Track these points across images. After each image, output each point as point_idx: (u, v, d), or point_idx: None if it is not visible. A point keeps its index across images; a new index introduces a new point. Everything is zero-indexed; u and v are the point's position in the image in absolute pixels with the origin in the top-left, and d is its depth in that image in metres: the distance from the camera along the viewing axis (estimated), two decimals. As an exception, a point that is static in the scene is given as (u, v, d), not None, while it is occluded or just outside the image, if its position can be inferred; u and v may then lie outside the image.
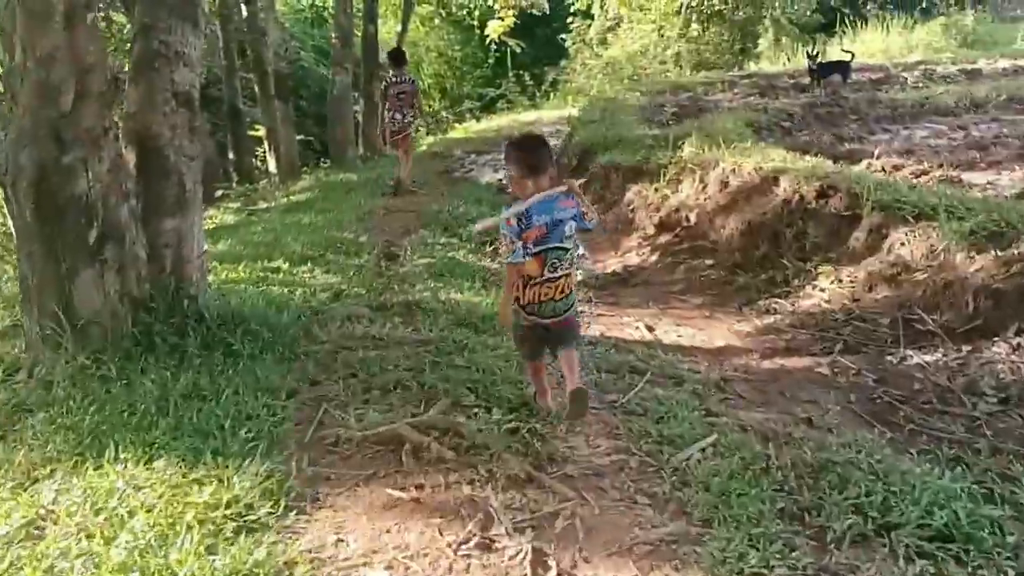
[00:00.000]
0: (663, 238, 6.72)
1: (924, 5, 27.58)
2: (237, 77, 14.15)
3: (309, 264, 6.52)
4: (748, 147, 6.94)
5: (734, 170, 6.43)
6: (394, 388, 3.79)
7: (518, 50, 24.56)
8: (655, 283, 6.02)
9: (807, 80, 13.39)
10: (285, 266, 6.46)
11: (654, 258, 6.54)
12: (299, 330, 4.74)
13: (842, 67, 13.04)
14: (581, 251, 5.47)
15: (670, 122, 11.49)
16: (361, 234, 7.77)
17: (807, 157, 6.54)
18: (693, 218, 6.54)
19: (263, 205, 11.10)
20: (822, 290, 4.99)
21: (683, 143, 7.95)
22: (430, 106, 28.10)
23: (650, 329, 4.97)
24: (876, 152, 7.37)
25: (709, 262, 5.95)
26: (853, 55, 14.25)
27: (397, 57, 9.70)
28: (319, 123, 21.85)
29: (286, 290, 5.71)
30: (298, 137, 17.99)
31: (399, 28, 17.04)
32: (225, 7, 14.12)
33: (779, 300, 5.11)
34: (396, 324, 5.03)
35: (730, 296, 5.43)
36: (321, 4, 17.76)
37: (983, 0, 26.85)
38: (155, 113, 4.46)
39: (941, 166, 6.58)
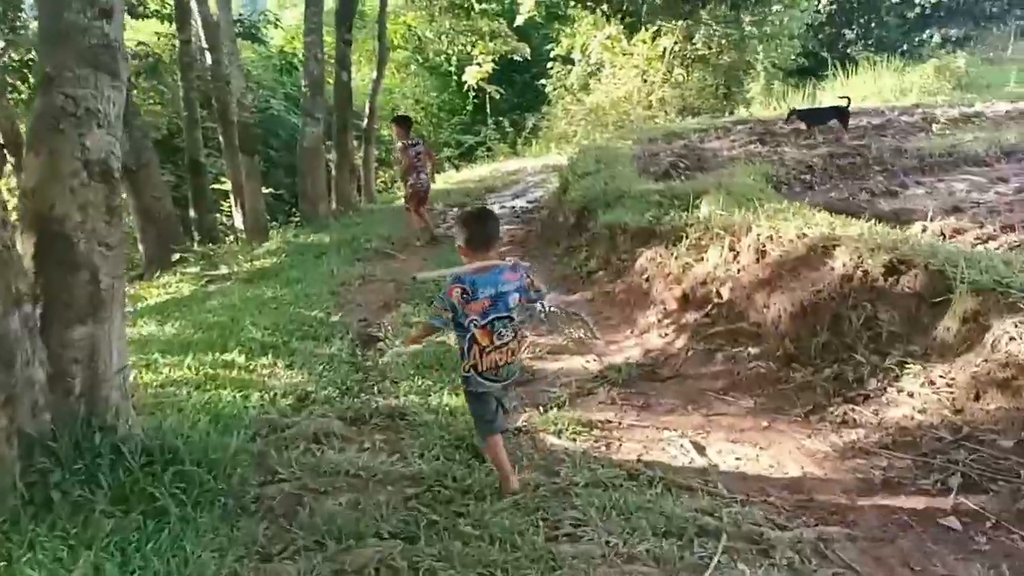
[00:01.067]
0: (690, 316, 5.71)
1: (904, 47, 27.41)
2: (199, 128, 13.13)
3: (270, 356, 5.44)
4: (782, 208, 5.99)
5: (772, 237, 5.47)
6: (376, 572, 2.72)
7: (497, 96, 23.91)
8: (690, 377, 4.99)
9: (803, 127, 12.78)
10: (241, 359, 5.37)
11: (681, 341, 5.52)
12: (251, 460, 3.67)
13: (839, 113, 12.59)
14: (541, 308, 5.23)
15: (673, 173, 10.66)
16: (333, 311, 6.73)
17: (856, 221, 5.60)
18: (726, 293, 5.55)
19: (224, 270, 9.99)
20: (910, 395, 3.98)
21: (700, 201, 7.02)
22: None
23: (700, 450, 3.94)
24: (928, 214, 6.45)
25: (753, 350, 4.94)
26: (850, 100, 13.71)
27: (406, 122, 10.07)
28: (290, 174, 20.83)
29: (239, 395, 4.62)
30: (267, 190, 16.99)
31: (374, 75, 16.15)
32: (187, 54, 13.16)
33: (856, 407, 4.09)
34: (376, 446, 3.98)
35: (788, 398, 4.41)
36: (291, 50, 16.86)
37: (969, 41, 26.72)
38: (60, 188, 3.41)
39: (1011, 228, 5.66)
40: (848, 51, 27.07)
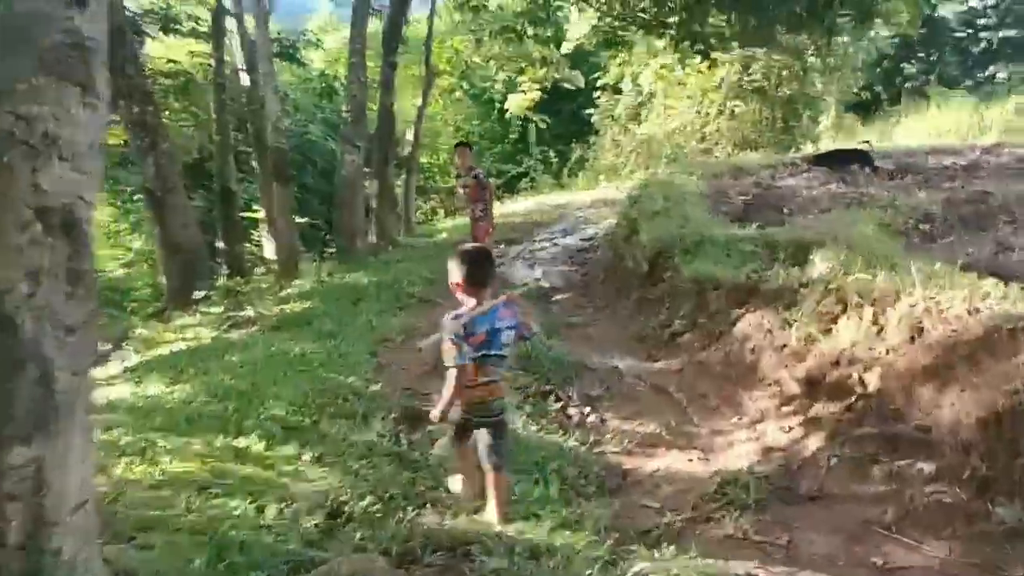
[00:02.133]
0: (822, 407, 4.54)
1: (969, 83, 26.09)
2: (231, 153, 12.25)
3: (295, 443, 4.34)
4: (934, 271, 4.80)
5: (930, 309, 4.29)
6: None
7: (542, 126, 22.95)
8: (841, 499, 3.81)
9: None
10: (259, 446, 4.29)
11: (815, 441, 4.34)
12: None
13: (861, 156, 12.13)
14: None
15: (752, 215, 9.50)
16: (372, 377, 5.64)
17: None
18: (873, 381, 4.36)
19: (250, 312, 8.99)
20: None
21: (814, 254, 5.85)
22: (444, 181, 26.49)
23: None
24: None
25: (927, 467, 3.75)
26: (870, 143, 13.43)
27: (460, 150, 9.78)
28: (326, 202, 19.99)
29: (252, 506, 3.53)
30: (302, 220, 16.10)
31: (417, 101, 15.24)
32: (220, 74, 12.33)
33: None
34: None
35: (998, 546, 3.22)
36: (332, 73, 16.08)
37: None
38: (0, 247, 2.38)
39: None
40: (908, 86, 25.85)
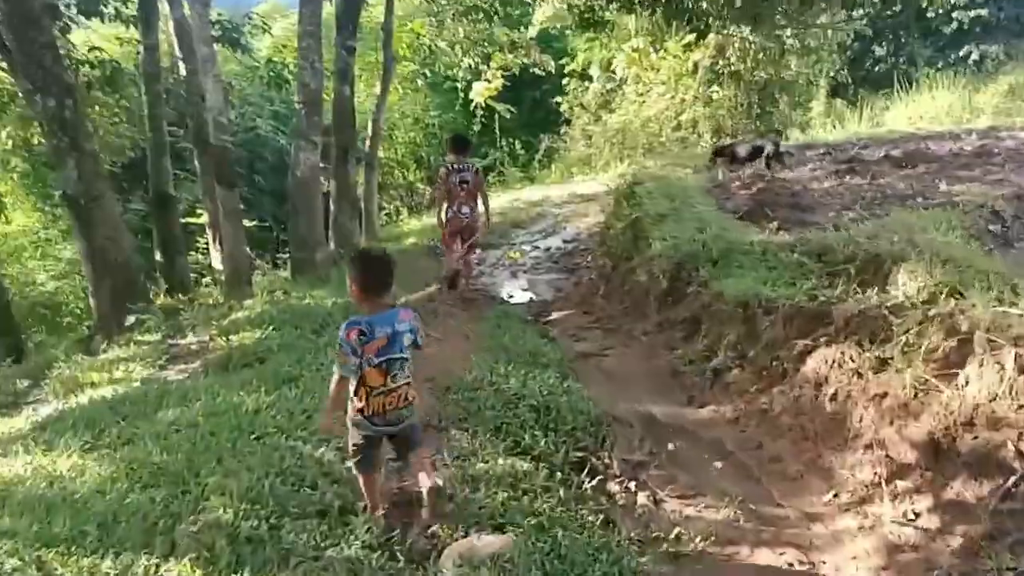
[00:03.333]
0: (963, 488, 3.38)
1: (940, 65, 25.40)
2: (167, 154, 10.75)
3: (245, 570, 3.07)
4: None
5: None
6: None
7: (507, 116, 21.67)
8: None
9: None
10: (195, 577, 3.00)
11: (965, 542, 3.19)
12: None
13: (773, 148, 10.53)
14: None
15: (768, 214, 8.40)
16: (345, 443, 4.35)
17: None
18: (1039, 456, 3.22)
19: (192, 340, 7.62)
20: None
21: (894, 269, 4.71)
22: (404, 176, 25.05)
23: None
24: None
25: None
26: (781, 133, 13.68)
27: (461, 143, 8.39)
28: (278, 201, 18.50)
29: None
30: (251, 223, 14.62)
31: (378, 91, 13.84)
32: (151, 62, 10.79)
33: None
34: None
35: None
36: (280, 60, 14.49)
37: (1011, 58, 24.73)
38: None
39: None
40: (876, 69, 25.07)
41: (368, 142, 13.43)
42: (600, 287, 8.07)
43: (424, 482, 3.45)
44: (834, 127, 15.68)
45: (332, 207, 10.88)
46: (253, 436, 4.45)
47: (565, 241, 11.40)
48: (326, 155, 10.69)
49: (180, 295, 10.55)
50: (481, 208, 8.13)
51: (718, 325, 5.47)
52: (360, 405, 3.34)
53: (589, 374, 5.61)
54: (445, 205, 8.02)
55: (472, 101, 21.27)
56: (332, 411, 3.52)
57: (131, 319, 8.57)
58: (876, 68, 25.32)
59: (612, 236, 8.74)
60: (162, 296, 10.55)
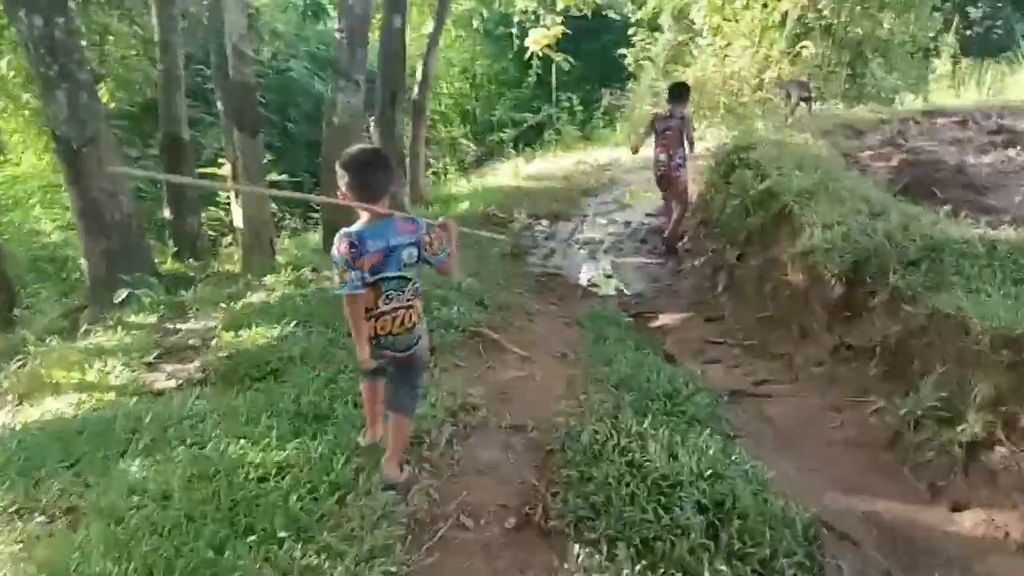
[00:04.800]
0: None
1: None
2: (181, 90, 8.98)
3: None
4: None
5: None
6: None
7: (566, 67, 19.59)
8: None
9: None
10: None
11: None
12: None
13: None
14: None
15: (936, 194, 6.56)
16: (400, 551, 2.63)
17: None
18: None
19: (193, 327, 5.94)
20: None
21: None
22: (448, 131, 23.11)
23: None
24: None
25: None
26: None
27: (678, 91, 8.19)
28: (312, 152, 16.76)
29: None
30: (280, 177, 12.90)
31: (429, 29, 11.94)
32: (164, -22, 8.96)
33: None
34: None
35: None
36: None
37: None
38: None
39: None
40: (969, 33, 22.55)
41: (416, 88, 11.55)
42: (718, 281, 6.23)
43: (388, 456, 3.14)
44: (957, 94, 13.47)
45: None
46: (252, 539, 2.74)
47: (648, 215, 9.53)
48: (369, 100, 8.87)
49: (191, 259, 8.91)
50: (679, 159, 7.79)
51: (956, 366, 3.62)
52: None
53: (752, 429, 3.81)
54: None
55: (527, 50, 19.18)
56: (361, 337, 2.95)
57: (123, 293, 6.90)
58: (968, 32, 22.80)
59: (730, 214, 6.86)
60: (169, 260, 8.91)
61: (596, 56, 21.73)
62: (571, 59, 19.52)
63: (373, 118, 9.22)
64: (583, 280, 7.17)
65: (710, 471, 3.10)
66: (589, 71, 21.27)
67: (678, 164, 7.79)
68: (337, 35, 7.91)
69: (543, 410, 3.76)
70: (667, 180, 7.85)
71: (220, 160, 12.19)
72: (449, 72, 22.61)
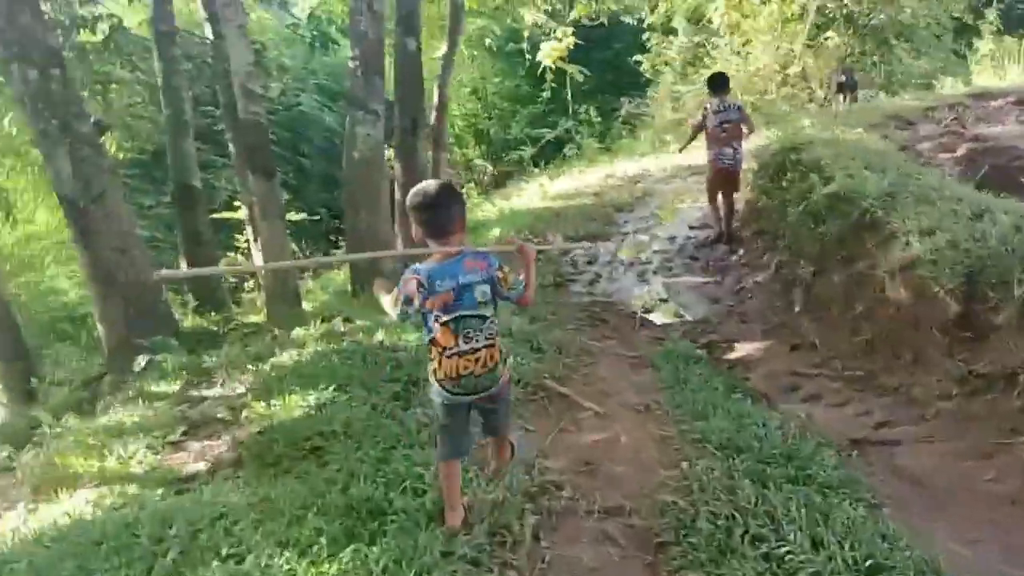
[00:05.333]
0: None
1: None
2: (189, 136, 8.51)
3: None
4: None
5: None
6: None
7: (580, 78, 19.05)
8: None
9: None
10: None
11: None
12: None
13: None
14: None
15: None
16: None
17: None
18: None
19: (219, 394, 5.40)
20: None
21: None
22: (464, 155, 22.62)
23: None
24: None
25: None
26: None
27: (719, 81, 7.91)
28: (327, 187, 16.30)
29: None
30: (298, 217, 12.43)
31: (443, 51, 11.43)
32: (164, 21, 8.49)
33: None
34: None
35: None
36: (326, 15, 12.06)
37: None
38: None
39: None
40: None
41: (433, 113, 11.04)
42: (793, 301, 5.61)
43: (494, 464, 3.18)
44: (1001, 75, 12.77)
45: (398, 194, 8.56)
46: None
47: (692, 228, 8.91)
48: (386, 129, 8.35)
49: (212, 312, 8.40)
50: (742, 152, 7.72)
51: None
52: (434, 366, 2.86)
53: (892, 490, 3.18)
54: (710, 149, 7.69)
55: (539, 65, 18.66)
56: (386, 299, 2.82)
57: (142, 362, 6.39)
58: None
59: (794, 223, 6.24)
60: (190, 316, 8.40)
61: (609, 65, 21.22)
62: (584, 70, 19.01)
63: (393, 147, 8.70)
64: (637, 307, 6.56)
65: (869, 561, 2.49)
66: (604, 81, 20.76)
67: (742, 157, 7.71)
68: (351, 64, 7.39)
69: (639, 485, 3.15)
70: (733, 175, 7.69)
71: (236, 204, 11.74)
72: (460, 93, 22.15)
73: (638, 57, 18.79)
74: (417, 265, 2.77)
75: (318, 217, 14.14)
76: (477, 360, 2.82)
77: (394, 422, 3.95)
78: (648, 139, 16.41)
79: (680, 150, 8.75)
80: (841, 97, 12.71)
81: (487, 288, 2.79)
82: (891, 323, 4.38)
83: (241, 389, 5.45)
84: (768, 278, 6.43)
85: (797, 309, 5.46)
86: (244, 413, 4.83)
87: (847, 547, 2.53)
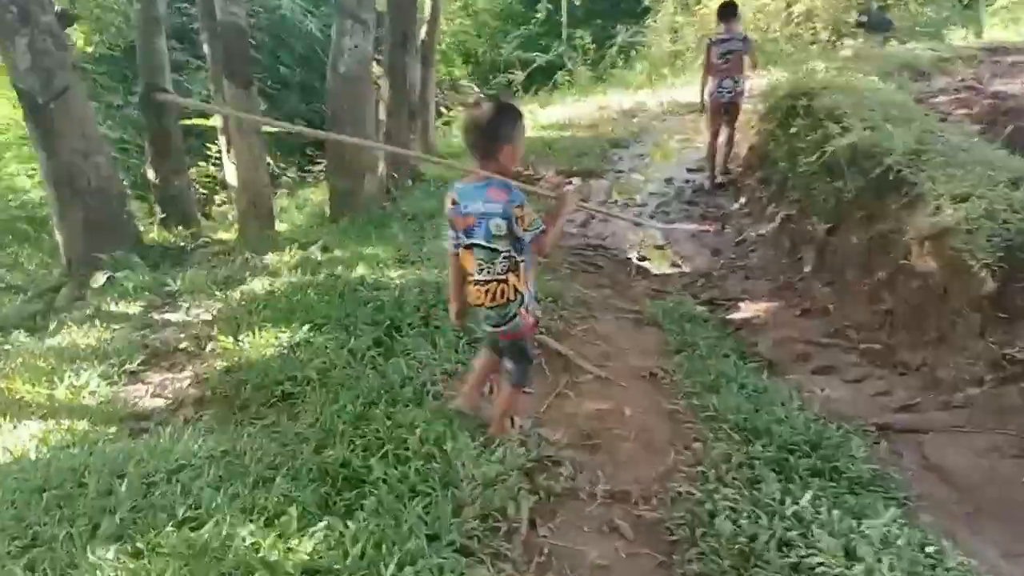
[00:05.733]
0: None
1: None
2: (161, 34, 7.84)
3: None
4: None
5: None
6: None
7: (576, 1, 18.26)
8: None
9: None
10: None
11: None
12: None
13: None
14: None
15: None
16: None
17: None
18: None
19: (183, 319, 5.00)
20: None
21: None
22: (449, 72, 21.76)
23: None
24: None
25: None
26: None
27: (727, 9, 7.47)
28: (309, 98, 15.56)
29: None
30: (275, 128, 11.79)
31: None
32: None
33: None
34: None
35: None
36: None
37: None
38: None
39: None
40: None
41: (424, 27, 10.38)
42: (803, 260, 5.28)
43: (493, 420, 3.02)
44: (1017, 29, 12.31)
45: (383, 114, 8.03)
46: None
47: (690, 171, 8.52)
48: (375, 44, 7.75)
49: (180, 226, 7.91)
50: (744, 84, 7.42)
51: None
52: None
53: (926, 489, 2.90)
54: (710, 80, 7.42)
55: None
56: (455, 297, 2.96)
57: (100, 278, 5.94)
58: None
59: (805, 174, 5.88)
60: (156, 228, 7.91)
61: (603, -12, 20.35)
62: (580, -9, 18.20)
63: (382, 62, 8.13)
64: (631, 254, 6.20)
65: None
66: (600, 6, 19.92)
67: (743, 90, 7.43)
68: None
69: (648, 467, 2.85)
70: (732, 107, 7.44)
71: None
72: (448, 7, 21.17)
73: (637, -18, 17.99)
74: (457, 182, 2.80)
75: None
76: (488, 292, 2.77)
77: (375, 373, 3.60)
78: (645, 71, 15.78)
79: (702, 109, 7.98)
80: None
81: (503, 222, 2.67)
82: (915, 294, 4.06)
83: (207, 316, 5.06)
84: (773, 232, 6.08)
85: (807, 269, 5.13)
86: (210, 346, 4.45)
87: (885, 560, 2.25)
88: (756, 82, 8.33)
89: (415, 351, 3.75)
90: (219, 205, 11.01)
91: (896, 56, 10.14)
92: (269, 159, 11.61)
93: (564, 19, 18.49)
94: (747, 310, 4.83)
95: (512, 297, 2.78)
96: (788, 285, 5.13)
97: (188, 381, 4.21)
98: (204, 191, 11.10)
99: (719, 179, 7.79)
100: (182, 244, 7.58)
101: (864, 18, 12.83)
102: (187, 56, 14.21)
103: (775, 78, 8.65)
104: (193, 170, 11.15)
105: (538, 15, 17.98)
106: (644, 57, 17.21)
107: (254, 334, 4.26)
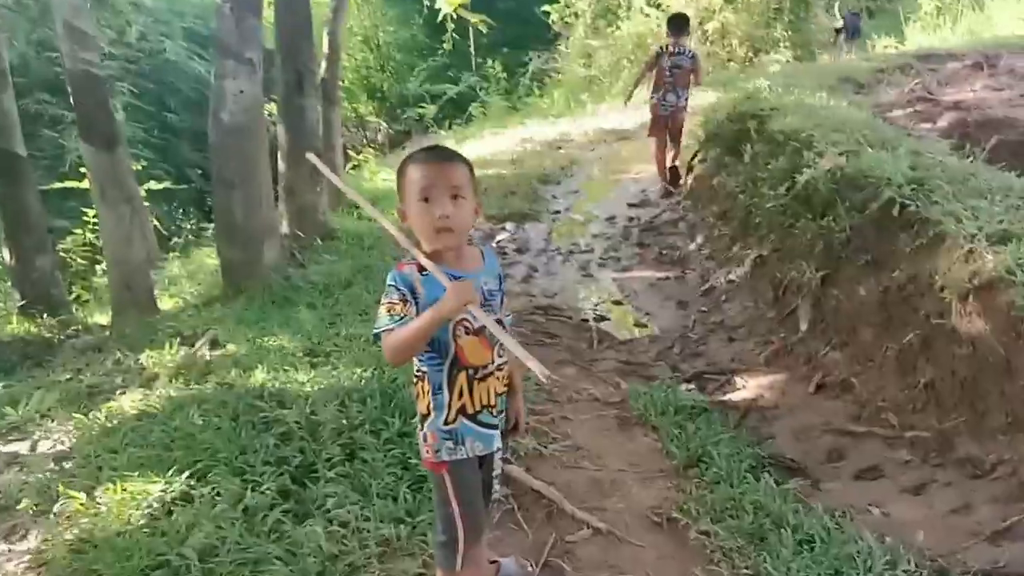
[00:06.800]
0: None
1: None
2: (8, 92, 6.53)
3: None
4: None
5: None
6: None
7: (484, 29, 17.43)
8: None
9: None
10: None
11: None
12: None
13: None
14: None
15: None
16: None
17: None
18: None
19: (27, 456, 3.82)
20: None
21: None
22: (355, 111, 20.70)
23: None
24: None
25: None
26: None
27: (679, 22, 7.47)
28: (201, 145, 14.27)
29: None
30: (160, 185, 10.60)
31: (330, -9, 9.70)
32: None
33: None
34: None
35: None
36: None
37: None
38: None
39: None
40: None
41: (324, 65, 9.34)
42: (797, 315, 4.44)
43: None
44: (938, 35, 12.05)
45: (281, 165, 6.94)
46: None
47: (632, 205, 7.72)
48: (267, 86, 6.68)
49: (46, 315, 6.62)
50: (685, 99, 7.38)
51: None
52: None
53: None
54: (654, 92, 7.42)
55: (438, 13, 16.94)
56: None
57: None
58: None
59: (773, 210, 5.09)
60: (15, 318, 6.60)
61: (514, 16, 19.62)
62: (489, 20, 17.45)
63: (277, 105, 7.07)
64: (587, 313, 5.29)
65: None
66: (509, 33, 19.17)
67: (685, 104, 7.40)
68: (220, 2, 5.69)
69: None
70: (673, 120, 7.40)
71: (83, 169, 9.74)
72: (349, 41, 20.15)
73: (545, 8, 17.38)
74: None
75: (191, 183, 12.18)
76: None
77: (282, 550, 2.54)
78: (562, 98, 15.08)
79: (626, 101, 8.32)
80: (843, 45, 11.98)
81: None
82: (965, 364, 3.24)
83: (63, 447, 3.90)
84: (745, 278, 5.26)
85: (803, 328, 4.29)
86: (58, 507, 3.29)
87: None
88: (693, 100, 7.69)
89: (337, 508, 2.71)
90: (101, 275, 9.65)
91: (830, 69, 9.66)
92: (155, 221, 10.35)
93: (472, 48, 17.66)
94: (747, 387, 3.94)
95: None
96: (784, 348, 4.28)
97: (26, 560, 3.06)
98: (83, 262, 9.72)
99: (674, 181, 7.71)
100: (47, 335, 6.32)
101: (840, 23, 12.65)
102: (61, 110, 12.76)
103: (710, 99, 8.01)
104: (69, 238, 9.78)
105: (444, 45, 17.08)
106: (559, 84, 16.55)
107: (115, 486, 3.14)
